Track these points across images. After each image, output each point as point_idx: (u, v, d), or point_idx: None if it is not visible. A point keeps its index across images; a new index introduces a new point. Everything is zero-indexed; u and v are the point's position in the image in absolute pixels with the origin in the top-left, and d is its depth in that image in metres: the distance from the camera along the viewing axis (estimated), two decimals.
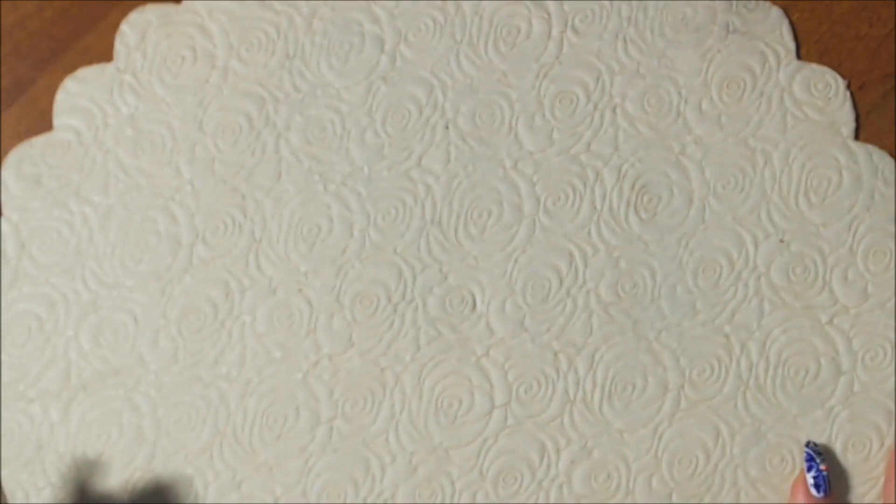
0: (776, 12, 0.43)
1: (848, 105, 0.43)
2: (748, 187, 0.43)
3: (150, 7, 0.42)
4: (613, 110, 0.43)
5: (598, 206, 0.43)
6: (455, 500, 0.41)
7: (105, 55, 0.42)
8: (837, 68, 0.44)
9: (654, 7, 0.43)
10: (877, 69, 0.44)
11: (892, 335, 0.42)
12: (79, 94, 0.42)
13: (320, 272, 0.42)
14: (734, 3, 0.43)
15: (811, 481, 0.40)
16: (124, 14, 0.42)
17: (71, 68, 0.42)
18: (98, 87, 0.42)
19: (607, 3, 0.43)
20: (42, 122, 0.42)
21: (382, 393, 0.42)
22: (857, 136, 0.43)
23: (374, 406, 0.42)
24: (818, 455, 0.40)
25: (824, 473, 0.40)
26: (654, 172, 0.43)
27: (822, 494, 0.40)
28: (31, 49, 0.43)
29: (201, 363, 0.42)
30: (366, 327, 0.42)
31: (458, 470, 0.41)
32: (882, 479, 0.42)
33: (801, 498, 0.40)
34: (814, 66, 0.43)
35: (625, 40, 0.43)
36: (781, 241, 0.43)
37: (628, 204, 0.43)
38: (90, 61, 0.42)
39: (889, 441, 0.42)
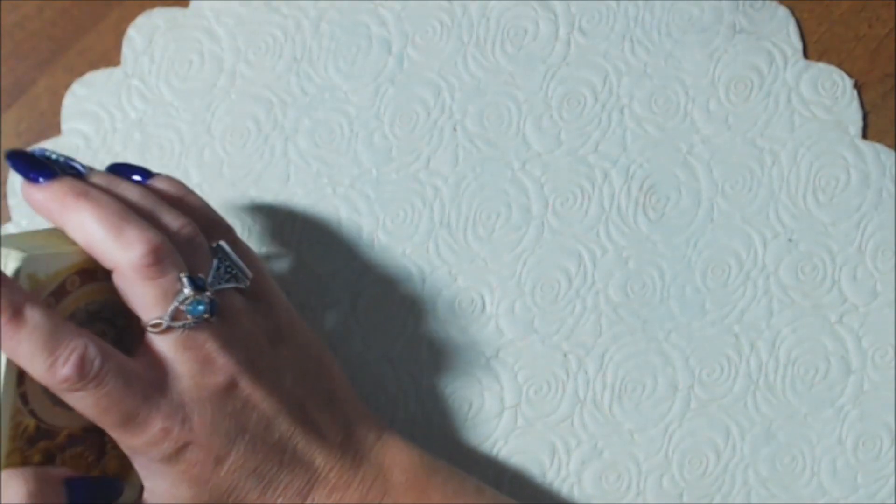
0: (783, 11, 0.43)
1: (855, 104, 0.43)
2: (756, 187, 0.43)
3: (157, 11, 0.42)
4: (621, 111, 0.43)
5: (607, 207, 0.43)
6: None
7: (105, 56, 0.42)
8: (837, 68, 0.44)
9: (661, 7, 0.43)
10: (877, 69, 0.44)
11: None
12: (86, 98, 0.42)
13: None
14: (741, 2, 0.43)
15: None
16: (124, 14, 0.42)
17: (71, 69, 0.42)
18: (106, 91, 0.42)
19: (614, 3, 0.43)
20: (42, 123, 0.42)
21: (388, 394, 0.42)
22: (864, 135, 0.43)
23: (377, 408, 0.42)
24: None
25: None
26: (662, 173, 0.43)
27: None
28: (31, 49, 0.42)
29: None
30: (376, 330, 0.42)
31: (471, 473, 0.41)
32: (893, 478, 0.42)
33: None
34: (821, 65, 0.43)
35: (632, 41, 0.43)
36: (790, 240, 0.43)
37: (637, 204, 0.43)
38: (90, 62, 0.42)
39: None
